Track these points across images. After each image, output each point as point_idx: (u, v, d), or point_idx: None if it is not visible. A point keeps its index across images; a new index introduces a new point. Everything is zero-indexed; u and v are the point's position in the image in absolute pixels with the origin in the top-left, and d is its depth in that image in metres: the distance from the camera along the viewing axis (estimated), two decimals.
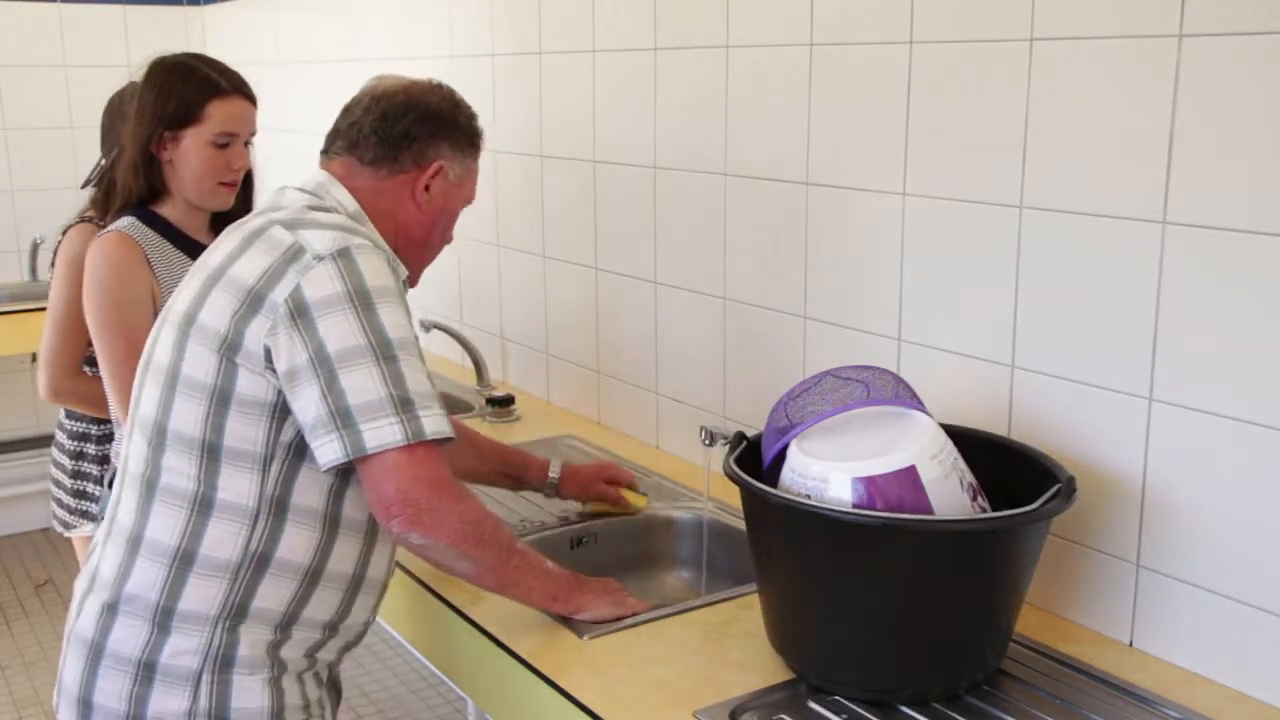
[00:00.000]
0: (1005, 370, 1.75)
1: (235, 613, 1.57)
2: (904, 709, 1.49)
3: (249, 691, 1.58)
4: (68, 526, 2.65)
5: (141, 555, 1.57)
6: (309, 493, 1.58)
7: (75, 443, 2.62)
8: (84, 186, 2.60)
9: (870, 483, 1.45)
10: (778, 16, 2.05)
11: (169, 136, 2.22)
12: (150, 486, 1.58)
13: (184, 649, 1.56)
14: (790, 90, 2.05)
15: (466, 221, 3.16)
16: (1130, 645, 1.64)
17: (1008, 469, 1.59)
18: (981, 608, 1.50)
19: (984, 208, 1.74)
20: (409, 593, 1.93)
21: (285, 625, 1.60)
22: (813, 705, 1.51)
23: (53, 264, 2.48)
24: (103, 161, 2.54)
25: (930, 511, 1.45)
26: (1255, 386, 1.45)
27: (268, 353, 1.51)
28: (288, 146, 4.06)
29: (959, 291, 1.81)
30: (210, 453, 1.55)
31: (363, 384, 1.49)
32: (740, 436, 1.67)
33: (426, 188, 1.75)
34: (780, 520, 1.52)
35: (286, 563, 1.58)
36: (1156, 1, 1.48)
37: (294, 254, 1.54)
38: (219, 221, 2.24)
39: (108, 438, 2.57)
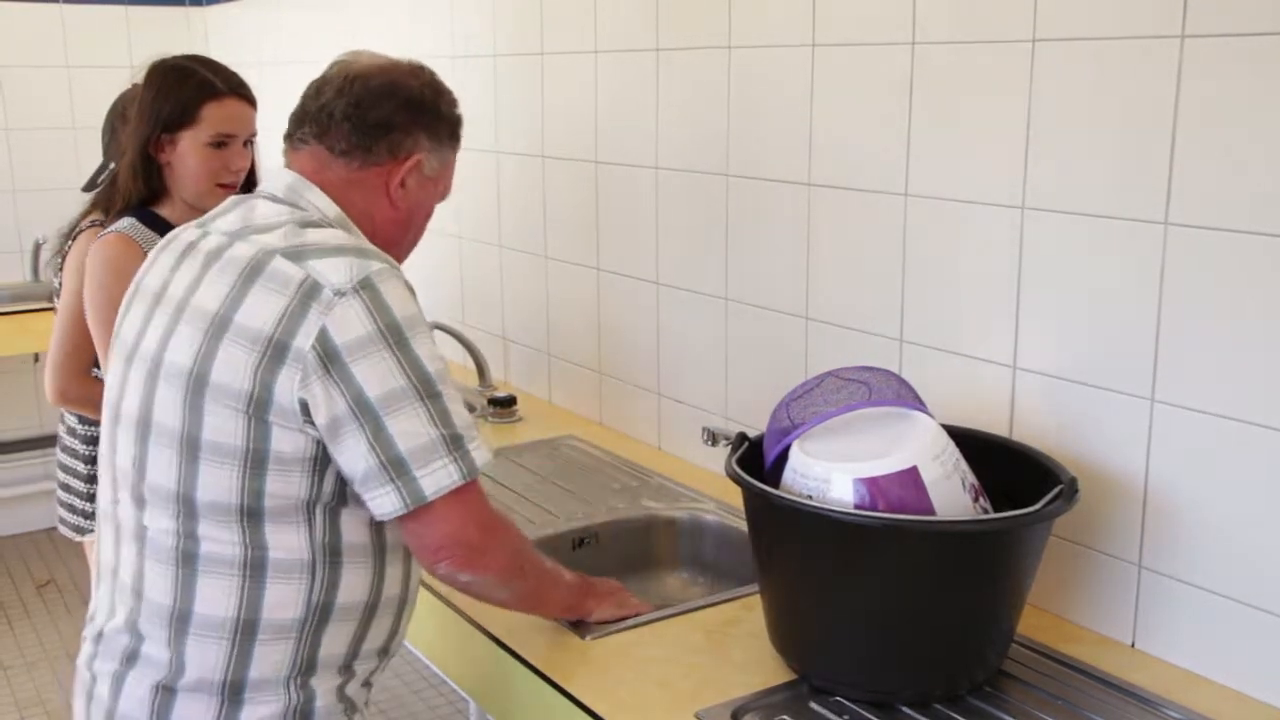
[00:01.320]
0: (1007, 371, 1.75)
1: (305, 668, 1.48)
2: (905, 709, 1.49)
3: None
4: (80, 531, 2.63)
5: (194, 634, 1.44)
6: (356, 530, 1.47)
7: (89, 447, 2.61)
8: (85, 189, 2.59)
9: (872, 483, 1.45)
10: (780, 17, 2.05)
11: (167, 139, 2.22)
12: (190, 560, 1.43)
13: (261, 716, 1.46)
14: (792, 91, 2.05)
15: (469, 222, 3.18)
16: (1132, 646, 1.64)
17: (1009, 470, 1.59)
18: (983, 608, 1.50)
19: (986, 208, 1.74)
20: None
21: (348, 664, 1.52)
22: (814, 706, 1.51)
23: (61, 266, 2.48)
24: (111, 165, 2.54)
25: (932, 512, 1.45)
26: (1257, 387, 1.45)
27: (304, 406, 1.38)
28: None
29: (961, 292, 1.81)
30: (251, 516, 1.42)
31: (411, 428, 1.38)
32: (742, 437, 1.67)
33: (402, 183, 1.60)
34: (782, 521, 1.52)
35: (348, 605, 1.49)
36: (1159, 2, 1.48)
37: (310, 291, 1.38)
38: None
39: None
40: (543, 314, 2.89)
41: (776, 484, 1.54)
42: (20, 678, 3.76)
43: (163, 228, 2.23)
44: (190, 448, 1.42)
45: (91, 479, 2.60)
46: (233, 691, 1.45)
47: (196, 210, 2.26)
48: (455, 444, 1.41)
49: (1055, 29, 1.61)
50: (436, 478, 1.40)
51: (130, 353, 1.52)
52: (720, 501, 2.18)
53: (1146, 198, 1.53)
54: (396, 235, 1.64)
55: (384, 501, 1.40)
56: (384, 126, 1.58)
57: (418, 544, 1.47)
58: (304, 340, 1.37)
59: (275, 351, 1.38)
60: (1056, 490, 1.48)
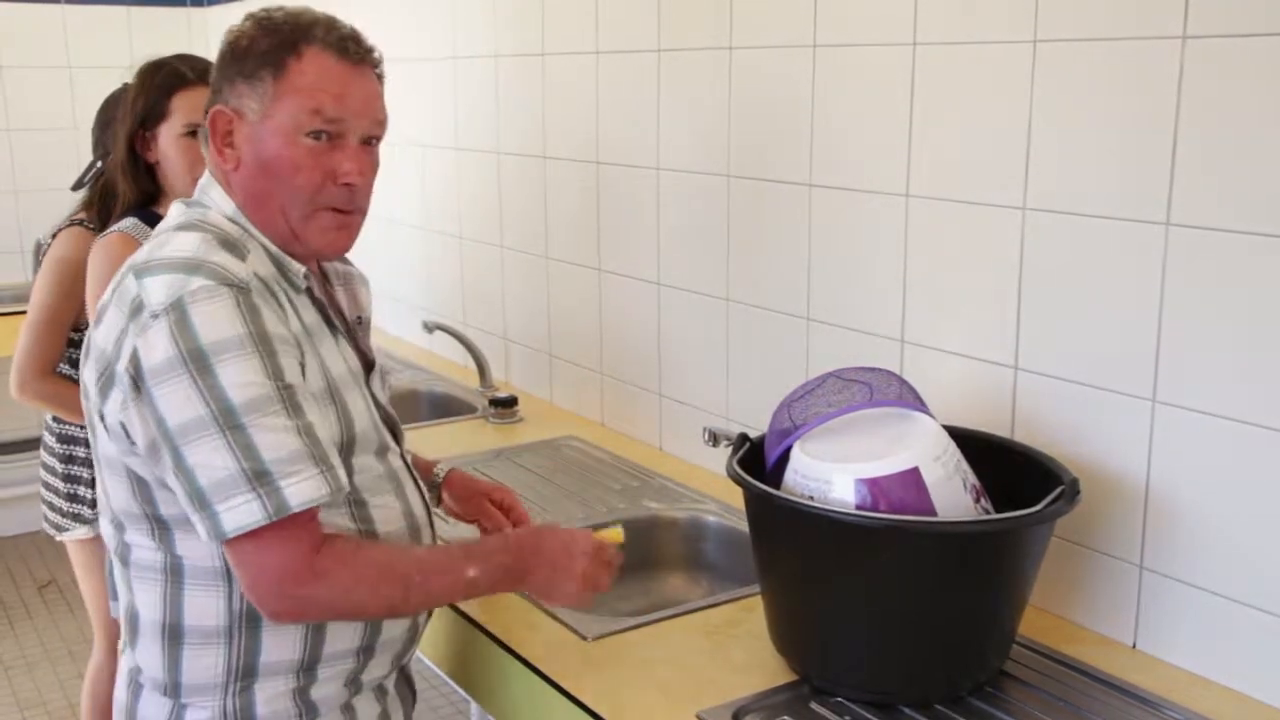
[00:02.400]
0: (1008, 372, 1.75)
1: (242, 674, 1.45)
2: (906, 710, 1.49)
3: None
4: (59, 529, 2.64)
5: (140, 632, 1.48)
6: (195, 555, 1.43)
7: (64, 446, 2.62)
8: (74, 189, 2.60)
9: (873, 484, 1.45)
10: (781, 18, 2.05)
11: (149, 136, 2.21)
12: (125, 563, 1.47)
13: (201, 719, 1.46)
14: (793, 91, 2.05)
15: (470, 222, 3.18)
16: (1133, 647, 1.64)
17: (1011, 471, 1.59)
18: (984, 609, 1.49)
19: (987, 209, 1.74)
20: None
21: (308, 669, 1.48)
22: (815, 707, 1.51)
23: (37, 266, 2.49)
24: (98, 164, 2.55)
25: (933, 513, 1.45)
26: (1258, 388, 1.45)
27: (125, 430, 1.35)
28: None
29: (962, 293, 1.81)
30: (158, 522, 1.41)
31: (208, 460, 1.30)
32: (743, 438, 1.67)
33: (230, 144, 1.47)
34: (783, 522, 1.52)
35: (200, 629, 1.44)
36: (1160, 3, 1.48)
37: (134, 311, 1.34)
38: None
39: None
40: (544, 314, 2.89)
41: (778, 485, 1.54)
42: (21, 678, 3.76)
43: None
44: (99, 461, 1.45)
45: (68, 478, 2.61)
46: (174, 691, 1.47)
47: None
48: (260, 479, 1.31)
49: (1056, 30, 1.61)
50: (237, 515, 1.31)
51: None
52: (721, 502, 2.18)
53: (1148, 198, 1.53)
54: (257, 200, 1.47)
55: (200, 530, 1.33)
56: (211, 94, 1.51)
57: (242, 585, 1.38)
58: (122, 363, 1.34)
59: (108, 373, 1.36)
60: (1058, 491, 1.48)
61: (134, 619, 1.48)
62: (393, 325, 3.64)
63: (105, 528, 1.50)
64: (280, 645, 1.45)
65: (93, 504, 2.60)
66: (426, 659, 2.04)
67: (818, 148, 2.02)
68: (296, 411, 1.34)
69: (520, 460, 2.48)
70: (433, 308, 3.35)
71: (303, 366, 1.40)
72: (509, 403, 2.78)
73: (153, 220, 2.24)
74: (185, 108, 2.20)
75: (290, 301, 1.45)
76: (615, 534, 1.64)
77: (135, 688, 1.52)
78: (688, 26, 2.28)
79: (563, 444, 2.58)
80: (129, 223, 2.22)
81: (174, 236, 1.43)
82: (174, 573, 1.43)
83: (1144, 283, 1.55)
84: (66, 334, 2.48)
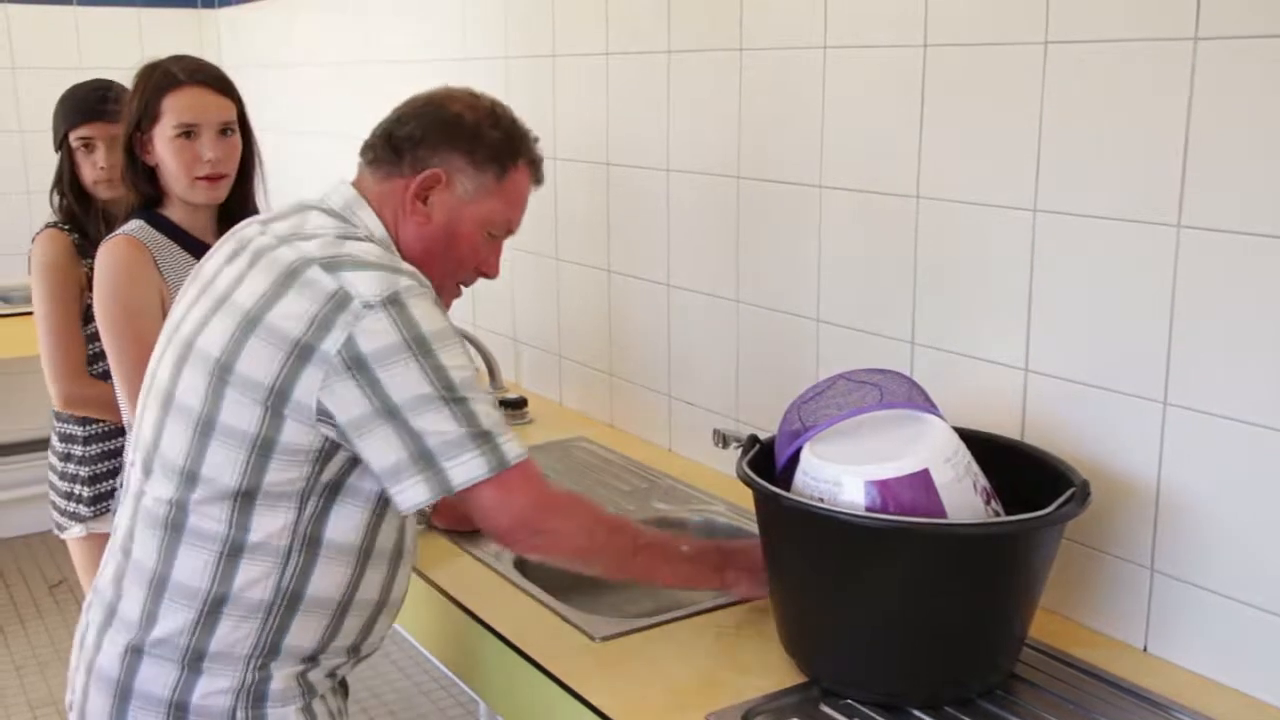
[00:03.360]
0: (1019, 374, 1.75)
1: (268, 651, 1.54)
2: (916, 713, 1.49)
3: None
4: (60, 528, 2.70)
5: (168, 598, 1.53)
6: (342, 528, 1.54)
7: (64, 445, 2.65)
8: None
9: (883, 486, 1.44)
10: (792, 19, 2.05)
11: (145, 138, 2.22)
12: (176, 528, 1.52)
13: (216, 689, 1.53)
14: (804, 93, 2.05)
15: None
16: (1145, 650, 1.64)
17: (1021, 473, 1.58)
18: (995, 612, 1.49)
19: (997, 210, 1.74)
20: (421, 595, 1.93)
21: (314, 655, 1.58)
22: (825, 709, 1.51)
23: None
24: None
25: (943, 515, 1.44)
26: (1270, 390, 1.45)
27: (320, 405, 1.45)
28: (302, 148, 4.07)
29: (973, 295, 1.80)
30: (246, 497, 1.50)
31: (437, 427, 1.45)
32: (753, 439, 1.67)
33: (423, 198, 1.64)
34: (793, 523, 1.52)
35: (318, 599, 1.55)
36: (1172, 5, 1.48)
37: (341, 301, 1.45)
38: (225, 217, 2.24)
39: (94, 438, 2.59)
40: (554, 316, 2.89)
41: (787, 486, 1.54)
42: (33, 677, 3.78)
43: (168, 228, 2.23)
44: (205, 428, 1.50)
45: (64, 476, 2.64)
46: (194, 659, 1.53)
47: (192, 207, 2.26)
48: (483, 439, 1.48)
49: (1067, 31, 1.61)
50: (468, 468, 1.46)
51: (172, 332, 1.61)
52: (731, 504, 2.18)
53: (1159, 200, 1.53)
54: (424, 254, 1.65)
55: (413, 493, 1.46)
56: (410, 140, 1.65)
57: (488, 530, 1.55)
58: (330, 346, 1.44)
59: (301, 353, 1.45)
60: (1069, 493, 1.48)
61: (162, 583, 1.53)
62: None
63: (162, 490, 1.54)
64: (305, 631, 1.56)
65: (89, 502, 2.61)
66: (435, 658, 2.04)
67: (828, 149, 2.02)
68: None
69: None
70: None
71: None
72: (518, 404, 2.78)
73: (158, 222, 2.24)
74: (176, 108, 2.19)
75: None
76: None
77: (134, 658, 1.55)
78: (698, 28, 2.28)
79: (572, 445, 2.58)
80: (134, 225, 2.23)
81: (347, 243, 1.56)
82: (234, 546, 1.51)
83: (1155, 284, 1.55)
84: (81, 333, 2.50)
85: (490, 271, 1.74)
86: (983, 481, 1.52)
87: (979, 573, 1.45)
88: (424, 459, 1.46)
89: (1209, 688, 1.54)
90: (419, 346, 1.46)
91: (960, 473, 1.48)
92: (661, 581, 1.74)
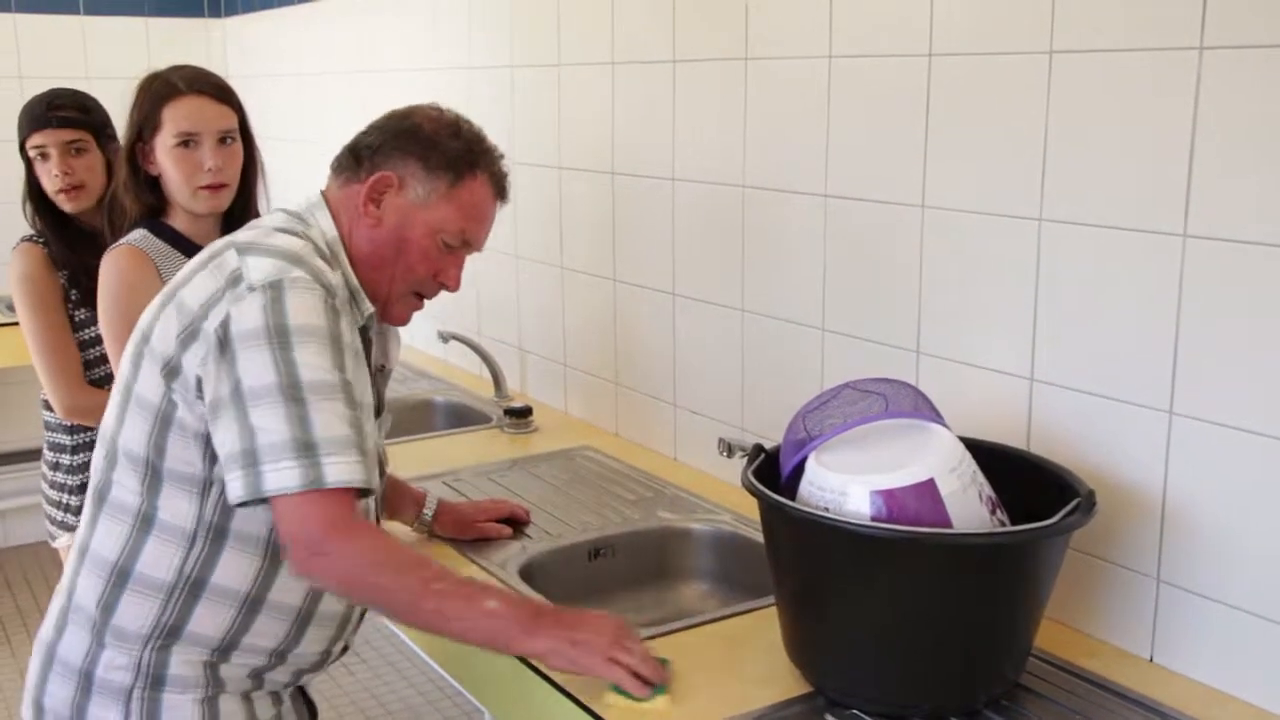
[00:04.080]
0: (1024, 383, 1.74)
1: (167, 633, 1.56)
2: None
3: (178, 711, 1.57)
4: (52, 537, 2.70)
5: (86, 566, 1.59)
6: (250, 520, 1.54)
7: (53, 454, 2.66)
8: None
9: (889, 496, 1.44)
10: (797, 29, 2.06)
11: (147, 148, 2.23)
12: (100, 499, 1.59)
13: (117, 664, 1.57)
14: (809, 102, 2.05)
15: None
16: (1151, 661, 1.63)
17: (1027, 483, 1.58)
18: (1000, 622, 1.49)
19: (1003, 220, 1.74)
20: None
21: (224, 650, 1.59)
22: (830, 719, 1.51)
23: None
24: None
25: (949, 525, 1.44)
26: (1276, 400, 1.45)
27: (199, 383, 1.48)
28: (306, 157, 4.08)
29: (978, 304, 1.80)
30: (153, 472, 1.53)
31: (269, 424, 1.43)
32: (758, 449, 1.67)
33: (375, 201, 1.65)
34: (798, 533, 1.52)
35: (223, 589, 1.56)
36: (1177, 14, 1.48)
37: (233, 281, 1.50)
38: (228, 226, 2.25)
39: (81, 447, 2.60)
40: (559, 325, 2.89)
41: (793, 496, 1.53)
42: None
43: (171, 236, 2.24)
44: (125, 395, 1.57)
45: (54, 485, 2.65)
46: (100, 630, 1.57)
47: (195, 216, 2.27)
48: (307, 450, 1.43)
49: (1072, 41, 1.61)
50: (281, 476, 1.42)
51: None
52: (736, 513, 2.18)
53: (1165, 210, 1.53)
54: (373, 256, 1.66)
55: (233, 487, 1.45)
56: (370, 148, 1.68)
57: (278, 540, 1.51)
58: (212, 323, 1.48)
59: (192, 328, 1.50)
60: (1074, 503, 1.47)
61: (84, 552, 1.60)
62: (407, 335, 3.64)
63: (97, 459, 1.62)
64: (209, 620, 1.57)
65: (78, 511, 2.61)
66: (440, 668, 2.04)
67: (833, 159, 2.02)
68: (352, 405, 1.49)
69: (535, 470, 2.48)
70: (448, 317, 3.35)
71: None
72: (524, 413, 2.78)
73: (161, 231, 2.24)
74: (175, 117, 2.20)
75: (351, 327, 1.58)
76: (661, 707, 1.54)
77: (61, 624, 1.61)
78: (703, 37, 2.29)
79: (577, 454, 2.58)
80: (137, 234, 2.23)
81: (278, 234, 1.60)
82: (145, 520, 1.55)
83: (1161, 294, 1.55)
84: (72, 342, 2.50)
85: (450, 283, 1.73)
86: (988, 491, 1.52)
87: (984, 583, 1.45)
88: (248, 455, 1.43)
89: (1215, 698, 1.54)
90: (279, 336, 1.45)
91: (966, 482, 1.48)
92: (452, 634, 1.54)
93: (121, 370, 1.60)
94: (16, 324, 4.16)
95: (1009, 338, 1.76)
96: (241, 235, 1.61)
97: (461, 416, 3.00)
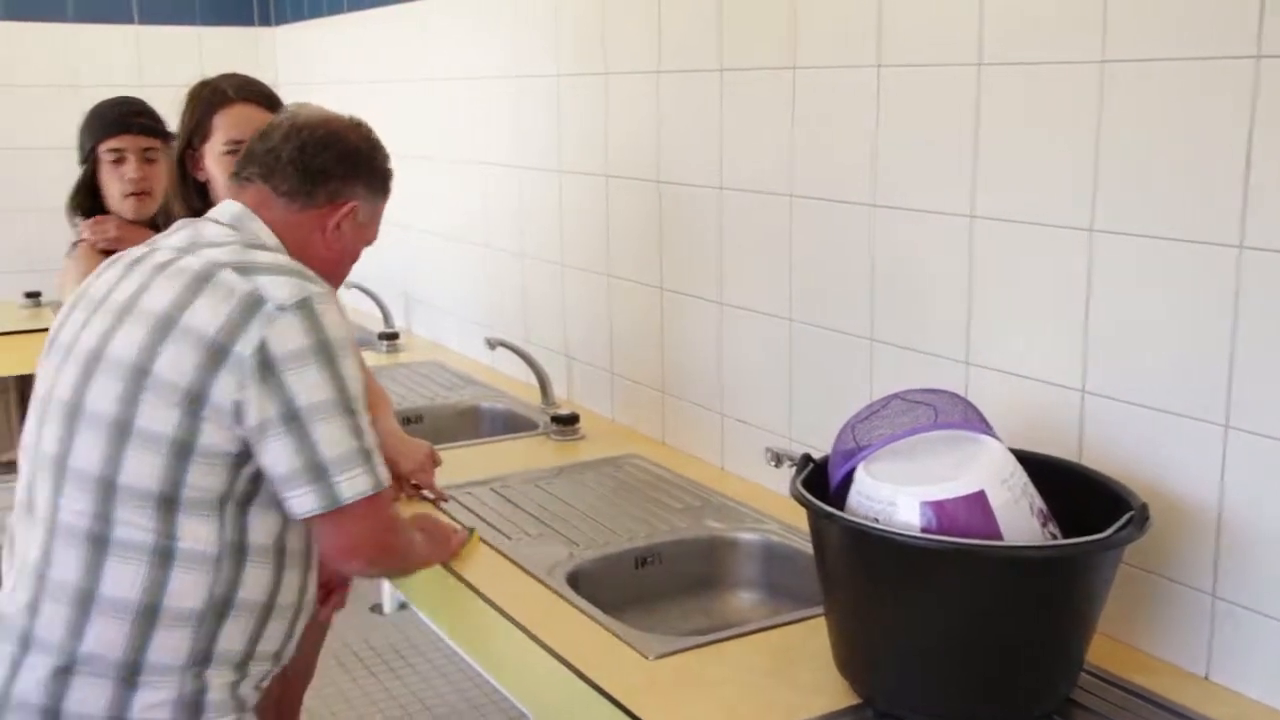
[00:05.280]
0: (1076, 395, 1.73)
1: (201, 659, 1.58)
2: None
3: None
4: None
5: (97, 613, 1.53)
6: (260, 531, 1.60)
7: None
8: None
9: (939, 507, 1.44)
10: (844, 38, 2.05)
11: (197, 155, 2.26)
12: (100, 542, 1.53)
13: (153, 702, 1.55)
14: (857, 111, 2.04)
15: (532, 240, 3.20)
16: (1206, 678, 1.61)
17: (1078, 495, 1.56)
18: (1051, 636, 1.48)
19: (1054, 230, 1.73)
20: (474, 609, 1.94)
21: (243, 663, 1.63)
22: None
23: None
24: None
25: (999, 537, 1.43)
26: None
27: (237, 408, 1.52)
28: None
29: (1028, 315, 1.79)
30: (168, 504, 1.53)
31: (334, 437, 1.53)
32: (807, 458, 1.67)
33: (338, 226, 1.78)
34: (847, 544, 1.51)
35: (246, 602, 1.60)
36: (1232, 22, 1.46)
37: (254, 303, 1.54)
38: None
39: None
40: (606, 332, 2.90)
41: (841, 506, 1.53)
42: None
43: None
44: (120, 433, 1.53)
45: None
46: (129, 673, 1.53)
47: None
48: (367, 457, 1.58)
49: (1125, 50, 1.60)
50: (355, 484, 1.56)
51: (66, 351, 1.63)
52: (783, 523, 2.17)
53: (1220, 220, 1.51)
54: (327, 273, 1.76)
55: (303, 501, 1.55)
56: (324, 173, 1.77)
57: (332, 544, 1.63)
58: (244, 347, 1.52)
59: (216, 354, 1.52)
60: (1127, 516, 1.46)
61: (88, 598, 1.53)
62: (456, 341, 3.67)
63: (80, 503, 1.54)
64: (233, 634, 1.60)
65: None
66: (488, 674, 2.05)
67: (881, 168, 2.02)
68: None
69: (581, 478, 2.48)
70: (495, 324, 3.37)
71: None
72: (570, 420, 2.79)
73: None
74: (226, 124, 2.24)
75: None
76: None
77: (61, 678, 1.53)
78: (750, 46, 2.29)
79: (624, 462, 2.59)
80: None
81: (252, 250, 1.66)
82: (162, 554, 1.53)
83: (1217, 305, 1.53)
84: None
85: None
86: (1039, 503, 1.51)
87: (1036, 596, 1.44)
88: (316, 469, 1.53)
89: (1272, 717, 1.52)
90: (324, 352, 1.54)
91: (1017, 494, 1.47)
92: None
93: (99, 408, 1.55)
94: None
95: (1060, 349, 1.74)
96: (218, 255, 1.62)
97: (508, 423, 3.02)
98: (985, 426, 1.58)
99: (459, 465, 2.55)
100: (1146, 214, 1.60)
